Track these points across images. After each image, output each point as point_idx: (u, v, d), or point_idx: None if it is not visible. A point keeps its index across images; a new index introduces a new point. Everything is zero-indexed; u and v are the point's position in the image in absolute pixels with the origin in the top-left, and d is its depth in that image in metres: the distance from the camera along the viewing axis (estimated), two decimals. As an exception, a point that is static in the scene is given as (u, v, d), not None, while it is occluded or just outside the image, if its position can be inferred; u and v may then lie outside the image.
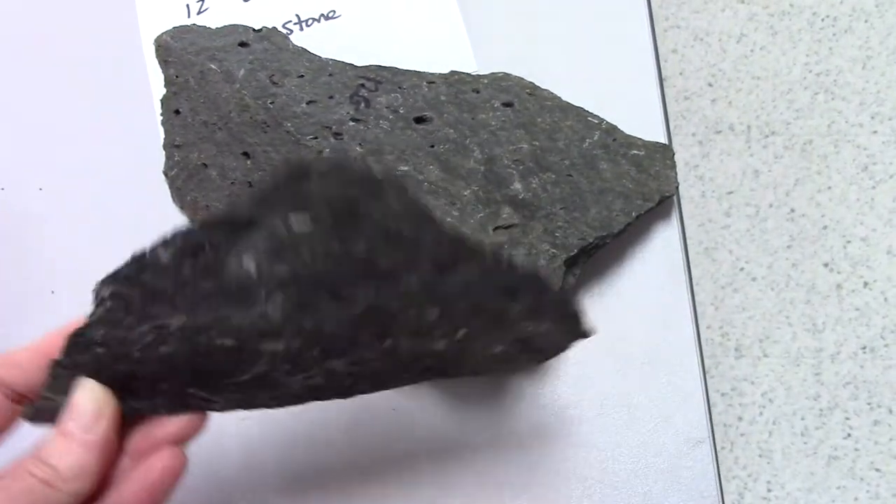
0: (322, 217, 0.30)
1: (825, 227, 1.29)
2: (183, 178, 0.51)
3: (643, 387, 0.48)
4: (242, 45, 0.51)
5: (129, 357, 0.32)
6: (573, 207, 0.47)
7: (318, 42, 0.54)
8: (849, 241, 1.28)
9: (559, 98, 0.52)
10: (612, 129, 0.51)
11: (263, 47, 0.51)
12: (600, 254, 0.49)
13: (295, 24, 0.54)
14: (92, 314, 0.32)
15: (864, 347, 1.25)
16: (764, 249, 1.30)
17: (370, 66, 0.51)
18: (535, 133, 0.49)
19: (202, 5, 0.54)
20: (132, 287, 0.32)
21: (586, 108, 0.51)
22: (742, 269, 1.30)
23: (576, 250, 0.45)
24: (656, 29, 1.42)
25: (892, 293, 1.27)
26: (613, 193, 0.48)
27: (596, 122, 0.51)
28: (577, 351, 0.48)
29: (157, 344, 0.32)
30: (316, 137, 0.47)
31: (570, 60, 0.54)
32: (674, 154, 0.50)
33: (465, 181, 0.46)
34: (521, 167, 0.48)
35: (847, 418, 1.23)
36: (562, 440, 0.47)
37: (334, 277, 0.31)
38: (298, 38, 0.54)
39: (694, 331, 0.48)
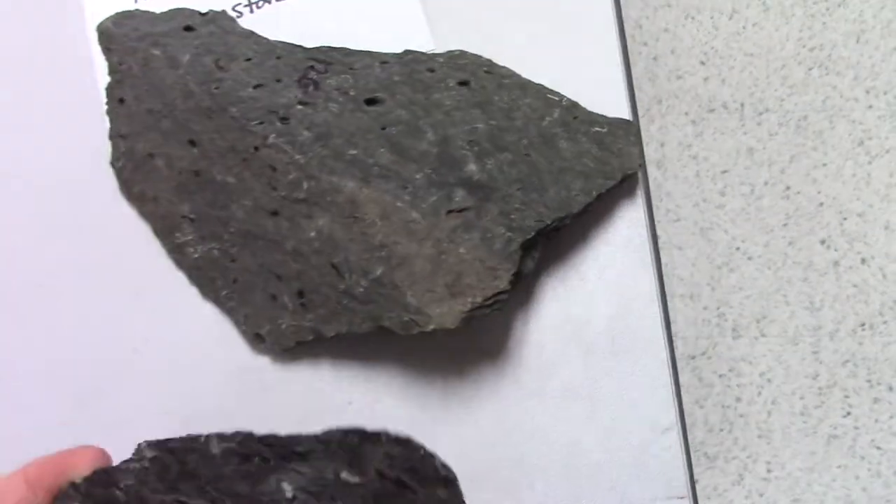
0: (370, 485, 0.33)
1: (821, 204, 1.26)
2: (130, 169, 0.49)
3: (608, 373, 0.45)
4: (187, 29, 0.48)
5: None
6: (531, 188, 0.44)
7: (269, 24, 0.51)
8: (845, 218, 1.26)
9: (518, 75, 0.49)
10: (573, 107, 0.48)
11: (209, 31, 0.48)
12: (562, 235, 0.47)
13: (245, 6, 0.52)
14: (127, 462, 0.34)
15: (863, 324, 1.23)
16: (760, 228, 1.27)
17: (320, 47, 0.48)
18: (492, 112, 0.47)
19: (149, -11, 0.52)
20: (175, 460, 0.34)
21: (547, 86, 0.49)
22: (738, 248, 1.27)
23: (533, 233, 0.43)
24: (647, 8, 1.39)
25: (890, 269, 1.24)
26: (573, 173, 0.45)
27: (556, 99, 0.48)
28: (539, 337, 0.45)
29: None
30: (262, 122, 0.44)
31: (530, 36, 0.52)
32: (638, 130, 0.48)
33: (417, 164, 0.44)
34: (476, 148, 0.45)
35: (846, 396, 1.21)
36: (524, 432, 0.45)
37: None
38: (248, 21, 0.52)
39: (661, 314, 0.46)
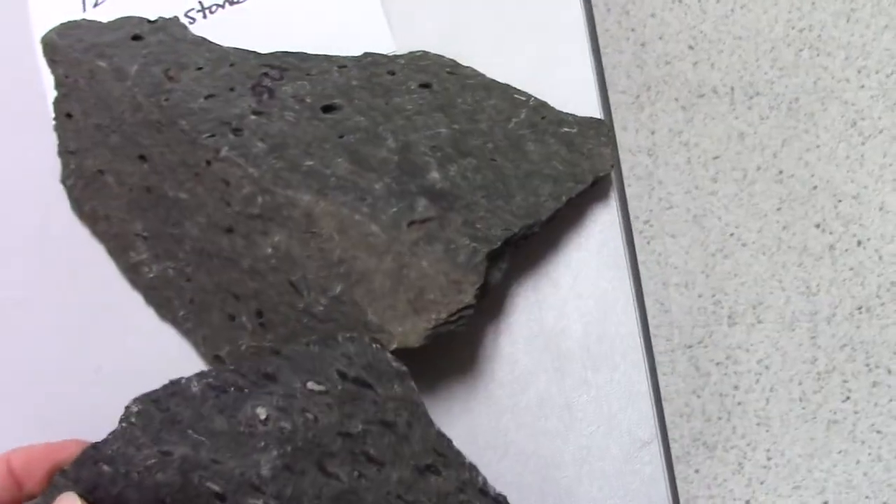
0: (333, 389, 0.36)
1: (815, 187, 1.24)
2: (80, 186, 0.46)
3: (584, 386, 0.43)
4: (135, 38, 0.46)
5: (128, 477, 0.35)
6: (496, 195, 0.42)
7: (224, 29, 0.49)
8: (840, 200, 1.23)
9: (483, 75, 0.47)
10: (540, 107, 0.46)
11: (158, 39, 0.46)
12: (533, 242, 0.44)
13: (198, 11, 0.49)
14: (114, 430, 0.35)
15: (860, 307, 1.20)
16: (753, 213, 1.25)
17: (276, 52, 0.46)
18: (455, 115, 0.44)
19: (99, -3, 0.50)
20: (158, 409, 0.36)
21: (514, 85, 0.46)
22: (732, 234, 1.24)
23: (499, 243, 0.40)
24: (631, -7, 1.35)
25: (886, 250, 1.22)
26: (541, 177, 0.43)
27: (523, 99, 0.46)
28: (512, 349, 0.43)
29: (156, 470, 0.35)
30: (213, 135, 0.42)
31: (495, 33, 0.49)
32: (609, 129, 0.45)
33: (377, 173, 0.41)
34: (438, 154, 0.43)
35: (845, 381, 1.18)
36: (498, 449, 0.43)
37: (326, 450, 0.36)
38: (202, 27, 0.49)
39: (638, 320, 0.43)
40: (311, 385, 0.36)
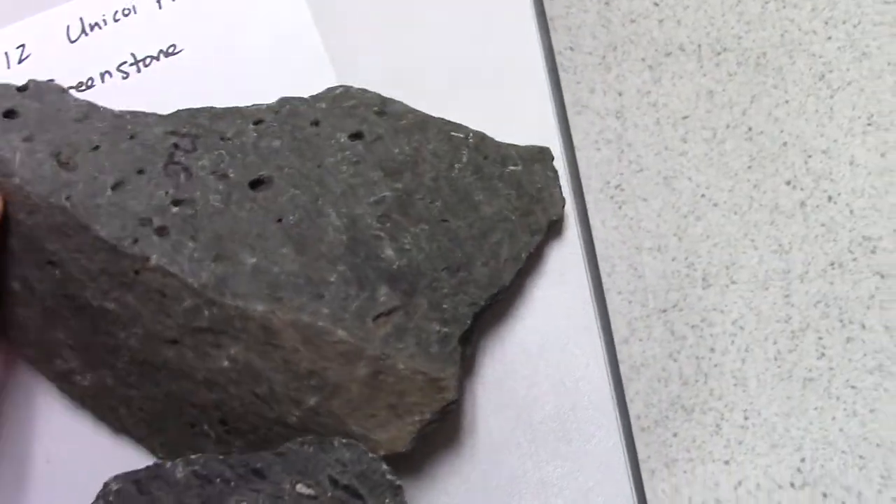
0: (322, 495, 0.34)
1: (785, 144, 1.21)
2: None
3: (558, 458, 0.40)
4: (9, 114, 0.38)
5: None
6: (456, 265, 0.38)
7: (161, 83, 0.43)
8: (810, 156, 1.20)
9: (414, 111, 0.41)
10: (480, 142, 0.41)
11: (36, 111, 0.38)
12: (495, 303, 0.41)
13: (131, 64, 0.44)
14: None
15: (833, 263, 1.19)
16: (724, 173, 1.22)
17: (179, 112, 0.39)
18: (395, 170, 0.39)
19: (23, 52, 0.44)
20: (138, 491, 0.34)
21: (466, 110, 0.42)
22: (703, 195, 1.22)
23: (469, 321, 0.36)
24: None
25: (857, 205, 1.19)
26: (497, 233, 0.39)
27: (461, 136, 0.41)
28: (482, 423, 0.40)
29: None
30: (136, 240, 0.36)
31: (445, 67, 0.45)
32: (553, 158, 0.41)
33: (328, 260, 0.36)
34: (388, 224, 0.38)
35: (820, 338, 1.17)
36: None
37: None
38: (136, 82, 0.43)
39: (611, 384, 0.41)
40: (300, 487, 0.34)
